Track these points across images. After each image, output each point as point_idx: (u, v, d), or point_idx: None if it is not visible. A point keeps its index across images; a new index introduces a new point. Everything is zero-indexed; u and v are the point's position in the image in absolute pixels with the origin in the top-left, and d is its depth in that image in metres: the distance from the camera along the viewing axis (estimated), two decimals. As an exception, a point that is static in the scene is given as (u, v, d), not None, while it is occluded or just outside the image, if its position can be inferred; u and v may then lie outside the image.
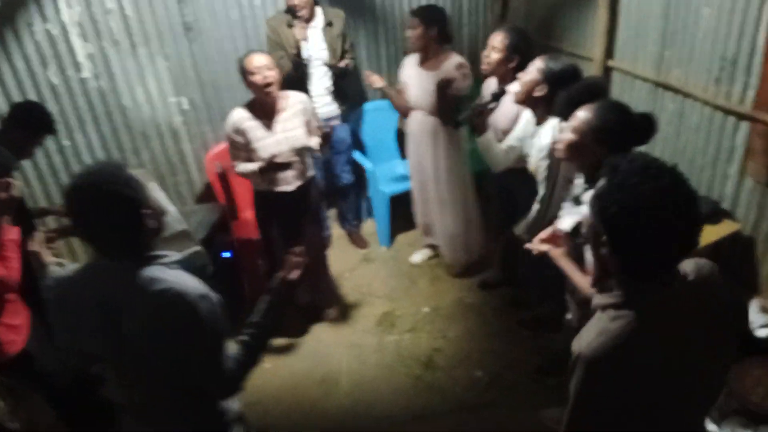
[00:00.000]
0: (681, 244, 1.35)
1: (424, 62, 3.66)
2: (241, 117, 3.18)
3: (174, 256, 1.79)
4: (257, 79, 3.06)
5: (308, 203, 3.49)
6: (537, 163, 2.82)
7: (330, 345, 3.69)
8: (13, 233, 2.51)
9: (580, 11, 4.25)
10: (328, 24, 3.91)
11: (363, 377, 3.44)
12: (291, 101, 3.28)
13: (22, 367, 2.59)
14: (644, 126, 2.19)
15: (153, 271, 1.68)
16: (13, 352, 2.52)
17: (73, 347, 1.89)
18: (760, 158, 3.14)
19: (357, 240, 4.58)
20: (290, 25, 3.78)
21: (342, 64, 3.95)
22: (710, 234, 3.29)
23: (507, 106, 3.15)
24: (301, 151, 3.29)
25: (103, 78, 3.74)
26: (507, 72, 3.17)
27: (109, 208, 1.63)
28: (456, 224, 3.96)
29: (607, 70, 4.03)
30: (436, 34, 3.54)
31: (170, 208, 3.25)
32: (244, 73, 3.09)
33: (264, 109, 3.19)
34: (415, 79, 3.71)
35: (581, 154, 2.22)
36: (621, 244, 1.37)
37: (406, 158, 4.85)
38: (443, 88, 3.53)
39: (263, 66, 3.06)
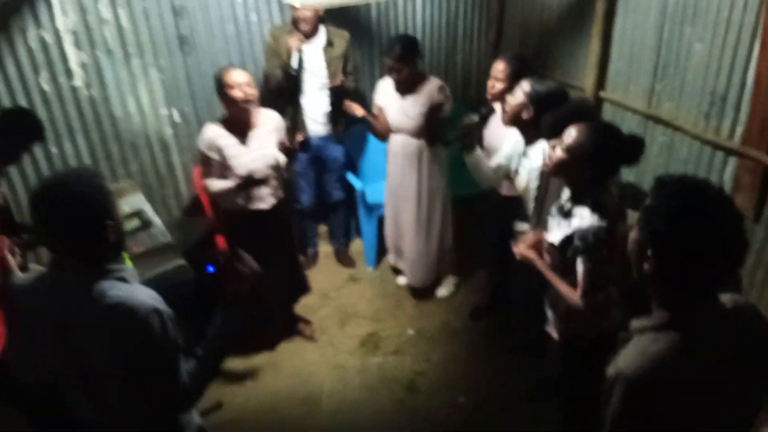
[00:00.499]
0: (726, 262, 1.35)
1: (404, 87, 3.68)
2: (216, 134, 3.14)
3: (129, 269, 1.79)
4: (237, 94, 3.03)
5: (282, 221, 3.47)
6: (527, 183, 2.86)
7: (313, 365, 3.64)
8: (-4, 240, 2.46)
9: (573, 41, 4.29)
10: (329, 44, 3.92)
11: (345, 399, 3.40)
12: (264, 119, 3.26)
13: (-2, 377, 2.52)
14: (633, 147, 2.25)
15: (106, 285, 1.66)
16: (-12, 361, 2.46)
17: (28, 358, 1.85)
18: (748, 194, 3.16)
19: (344, 258, 4.56)
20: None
21: (337, 82, 3.95)
22: (697, 267, 3.29)
23: (497, 125, 3.18)
24: (277, 169, 3.28)
25: (95, 87, 3.71)
26: None
27: (72, 213, 1.62)
28: (427, 245, 3.97)
29: (599, 101, 4.06)
30: (416, 63, 3.59)
31: (156, 220, 3.23)
32: (223, 86, 3.06)
33: (239, 126, 3.16)
34: (394, 103, 3.73)
35: (570, 171, 2.26)
36: (668, 259, 1.37)
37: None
38: (434, 113, 3.55)
39: (244, 82, 3.04)
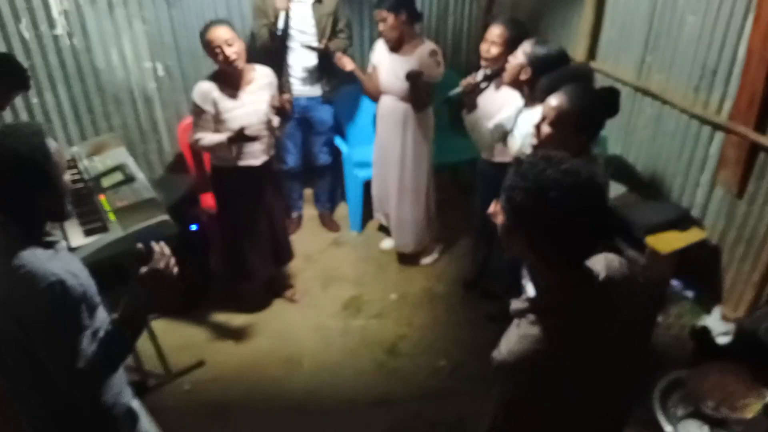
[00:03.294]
0: (590, 232, 1.36)
1: (397, 47, 3.62)
2: (209, 87, 3.11)
3: (57, 236, 1.70)
4: (219, 57, 3.00)
5: (271, 178, 3.44)
6: (520, 147, 2.85)
7: (295, 326, 3.65)
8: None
9: (566, 10, 4.26)
10: (318, 1, 3.83)
11: (327, 360, 3.42)
12: (258, 74, 3.23)
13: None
14: (611, 100, 2.32)
15: (23, 248, 1.59)
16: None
17: None
18: (732, 169, 3.20)
19: (328, 222, 4.53)
20: None
21: (321, 45, 3.87)
22: (678, 240, 3.34)
23: (492, 91, 3.19)
24: (269, 125, 3.24)
25: (78, 36, 3.61)
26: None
27: (8, 154, 1.54)
28: (413, 211, 3.96)
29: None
30: (406, 18, 3.51)
31: (139, 175, 3.18)
32: (207, 47, 3.03)
33: (231, 81, 3.13)
34: (386, 63, 3.67)
35: (560, 142, 2.22)
36: (530, 235, 1.38)
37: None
38: (415, 77, 3.50)
39: (224, 41, 2.98)
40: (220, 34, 2.98)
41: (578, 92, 2.25)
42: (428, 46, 3.58)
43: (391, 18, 3.46)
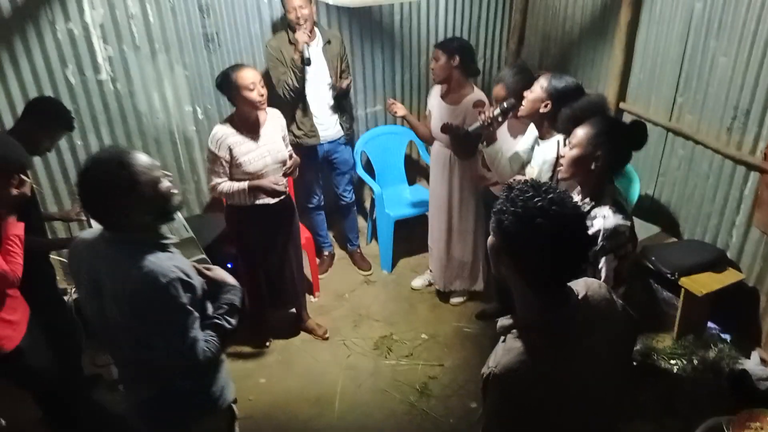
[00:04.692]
0: (571, 258, 1.43)
1: (446, 94, 3.69)
2: (224, 133, 3.14)
3: (171, 238, 1.94)
4: (254, 96, 3.05)
5: (286, 216, 3.50)
6: (539, 175, 2.90)
7: (326, 365, 3.66)
8: (19, 229, 2.50)
9: (595, 51, 4.29)
10: (327, 42, 3.93)
11: (357, 400, 3.41)
12: (270, 115, 3.30)
13: (14, 363, 2.56)
14: (638, 132, 2.36)
15: (138, 247, 1.83)
16: (8, 348, 2.50)
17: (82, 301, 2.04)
18: (768, 209, 3.15)
19: (359, 261, 4.56)
20: (292, 42, 3.75)
21: (345, 84, 3.97)
22: (714, 282, 3.29)
23: (510, 125, 3.28)
24: (284, 164, 3.31)
25: (121, 81, 3.76)
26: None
27: (90, 193, 1.79)
28: (463, 254, 3.98)
29: (620, 112, 4.06)
30: (459, 64, 3.55)
31: (178, 215, 3.25)
32: (237, 88, 3.04)
33: (247, 124, 3.19)
34: (436, 109, 3.75)
35: (586, 169, 2.28)
36: (516, 257, 1.44)
37: (413, 184, 4.89)
38: (449, 130, 3.53)
39: (258, 82, 3.05)
40: (254, 75, 3.05)
41: (605, 121, 2.33)
42: (475, 95, 3.62)
43: (443, 58, 3.54)
